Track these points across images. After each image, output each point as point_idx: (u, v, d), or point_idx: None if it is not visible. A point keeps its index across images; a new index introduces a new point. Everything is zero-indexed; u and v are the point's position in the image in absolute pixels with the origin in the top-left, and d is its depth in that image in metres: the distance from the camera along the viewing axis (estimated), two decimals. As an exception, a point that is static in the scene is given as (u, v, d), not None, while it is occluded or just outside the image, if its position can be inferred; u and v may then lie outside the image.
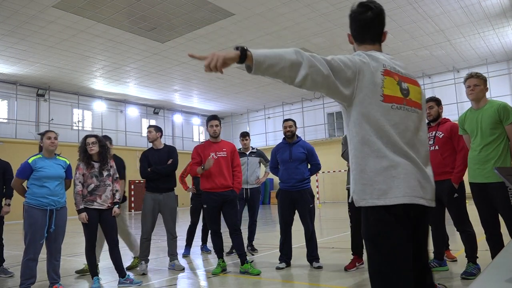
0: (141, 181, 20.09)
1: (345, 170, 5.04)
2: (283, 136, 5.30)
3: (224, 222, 4.88)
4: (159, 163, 5.19)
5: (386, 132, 1.70)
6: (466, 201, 4.17)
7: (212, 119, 5.02)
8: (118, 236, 4.56)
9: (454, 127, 4.19)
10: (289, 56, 1.54)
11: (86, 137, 4.52)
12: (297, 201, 5.00)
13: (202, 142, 5.13)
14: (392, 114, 1.71)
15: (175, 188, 5.38)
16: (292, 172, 5.02)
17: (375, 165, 1.69)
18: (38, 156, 4.23)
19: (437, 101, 4.44)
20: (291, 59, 1.54)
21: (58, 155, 4.42)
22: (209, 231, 5.03)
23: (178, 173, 5.65)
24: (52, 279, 4.22)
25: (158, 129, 5.41)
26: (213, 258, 5.78)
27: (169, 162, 5.27)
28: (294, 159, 5.05)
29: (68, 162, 4.45)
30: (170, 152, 5.36)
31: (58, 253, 4.29)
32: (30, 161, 4.14)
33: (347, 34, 2.00)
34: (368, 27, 1.91)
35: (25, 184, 4.30)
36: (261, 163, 6.50)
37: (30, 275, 4.02)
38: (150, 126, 5.46)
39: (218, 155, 4.88)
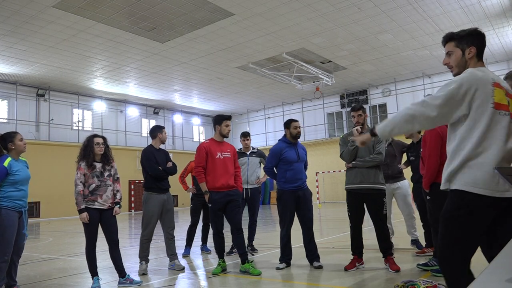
0: (141, 181, 19.96)
1: (344, 170, 5.03)
2: (282, 136, 5.28)
3: (226, 221, 4.88)
4: (161, 163, 5.22)
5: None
6: None
7: (228, 118, 5.03)
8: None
9: (425, 134, 4.18)
10: (403, 119, 2.19)
11: (94, 136, 4.50)
12: (301, 200, 5.01)
13: (206, 140, 5.09)
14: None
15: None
16: (299, 172, 5.05)
17: None
18: (9, 159, 4.09)
19: None
20: (405, 121, 2.19)
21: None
22: (210, 231, 5.02)
23: (178, 173, 5.66)
24: (13, 281, 4.14)
25: None
26: (213, 258, 5.78)
27: (170, 164, 5.31)
28: (301, 159, 5.10)
29: (27, 161, 4.37)
30: (167, 154, 5.45)
31: (20, 254, 4.27)
32: (6, 164, 4.01)
33: (471, 47, 2.30)
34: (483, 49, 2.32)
35: None
36: (262, 163, 6.49)
37: (3, 277, 3.94)
38: (164, 127, 5.48)
39: (224, 155, 4.89)
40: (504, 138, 2.08)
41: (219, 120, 5.00)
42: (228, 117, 5.05)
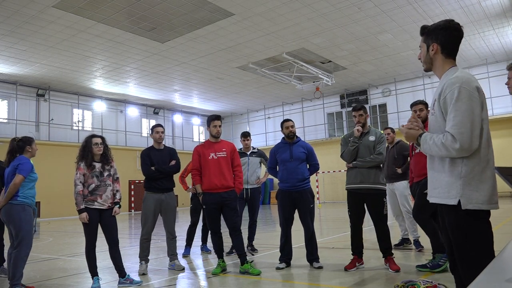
0: (141, 181, 20.05)
1: (345, 170, 5.03)
2: (283, 136, 5.29)
3: (224, 222, 4.89)
4: (161, 163, 5.20)
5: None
6: None
7: (215, 119, 4.97)
8: None
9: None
10: (439, 152, 2.08)
11: (92, 136, 4.49)
12: (297, 201, 4.99)
13: (201, 142, 5.12)
14: None
15: (174, 188, 5.39)
16: (292, 172, 5.01)
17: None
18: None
19: (426, 104, 4.69)
20: (441, 155, 2.09)
21: None
22: (209, 231, 5.03)
23: (178, 173, 5.65)
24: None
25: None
26: (213, 258, 5.78)
27: (173, 162, 5.28)
28: (295, 159, 5.04)
29: None
30: (172, 153, 5.38)
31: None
32: (32, 162, 4.30)
33: (433, 44, 2.20)
34: (459, 43, 2.21)
35: None
36: (262, 163, 6.49)
37: (22, 271, 4.14)
38: (161, 126, 5.40)
39: (218, 155, 4.87)
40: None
41: (207, 122, 5.05)
42: (215, 117, 4.98)
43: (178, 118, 26.13)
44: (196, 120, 27.26)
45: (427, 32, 2.25)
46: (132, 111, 23.54)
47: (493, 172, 2.07)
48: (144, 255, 5.06)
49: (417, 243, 5.64)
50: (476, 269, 1.99)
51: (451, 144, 2.00)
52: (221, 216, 4.92)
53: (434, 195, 2.20)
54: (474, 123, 1.99)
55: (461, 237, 2.09)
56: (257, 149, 6.51)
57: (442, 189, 2.13)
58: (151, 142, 5.46)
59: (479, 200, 2.03)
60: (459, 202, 2.05)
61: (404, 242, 5.97)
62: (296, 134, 5.29)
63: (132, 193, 21.66)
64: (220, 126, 4.99)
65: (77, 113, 21.09)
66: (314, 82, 19.44)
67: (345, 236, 6.96)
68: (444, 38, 2.17)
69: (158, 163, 5.18)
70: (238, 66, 17.56)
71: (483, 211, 2.06)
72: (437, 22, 2.23)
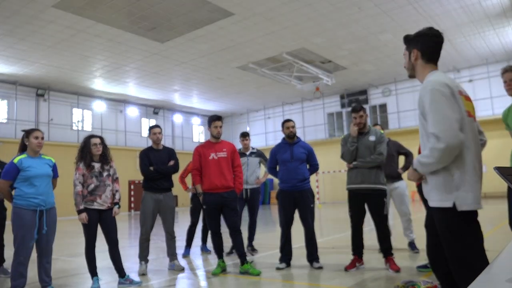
0: (141, 181, 19.90)
1: (345, 170, 5.03)
2: (283, 137, 5.29)
3: (224, 222, 4.88)
4: (160, 164, 5.20)
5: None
6: None
7: (216, 119, 4.98)
8: None
9: None
10: (432, 163, 2.09)
11: (91, 137, 4.47)
12: (298, 201, 4.99)
13: (202, 142, 5.12)
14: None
15: (172, 188, 5.38)
16: (293, 172, 5.02)
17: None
18: (23, 155, 4.03)
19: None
20: (434, 166, 2.11)
21: (42, 154, 4.24)
22: (209, 231, 5.03)
23: (178, 173, 5.65)
24: (43, 281, 4.12)
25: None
26: (213, 258, 5.78)
27: (171, 163, 5.28)
28: (296, 159, 5.05)
29: (53, 161, 4.29)
30: (171, 154, 5.39)
31: (49, 255, 4.13)
32: (15, 161, 3.93)
33: (414, 50, 2.29)
34: (439, 49, 2.30)
35: None
36: (261, 163, 6.49)
37: (20, 278, 3.91)
38: (158, 126, 5.40)
39: (218, 156, 4.88)
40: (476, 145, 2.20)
41: (208, 122, 5.05)
42: (216, 118, 4.99)
43: (178, 118, 26.12)
44: (196, 120, 27.25)
45: (409, 40, 2.36)
46: (132, 111, 23.54)
47: (479, 172, 2.14)
48: (143, 255, 5.06)
49: (412, 245, 5.59)
50: (468, 268, 2.06)
51: (435, 146, 2.03)
52: (221, 216, 4.92)
53: (431, 199, 2.24)
54: (453, 118, 2.04)
55: (452, 238, 2.13)
56: (256, 149, 6.52)
57: (434, 192, 2.17)
58: (150, 142, 5.46)
59: (472, 201, 2.09)
60: (453, 204, 2.09)
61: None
62: (296, 134, 5.29)
63: (132, 193, 21.66)
64: (221, 126, 5.00)
65: (76, 113, 21.09)
66: (314, 82, 19.44)
67: (345, 236, 6.95)
68: (424, 44, 2.26)
69: (157, 163, 5.19)
70: (238, 66, 17.55)
71: (473, 211, 2.12)
72: (419, 31, 2.33)
